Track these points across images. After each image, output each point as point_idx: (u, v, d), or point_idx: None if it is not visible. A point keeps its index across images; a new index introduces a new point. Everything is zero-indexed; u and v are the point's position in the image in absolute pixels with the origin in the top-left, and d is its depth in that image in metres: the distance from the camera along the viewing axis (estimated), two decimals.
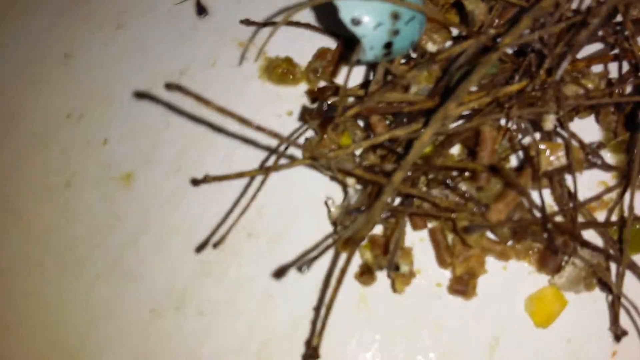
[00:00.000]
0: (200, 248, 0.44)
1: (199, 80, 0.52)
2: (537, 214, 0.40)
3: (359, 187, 0.43)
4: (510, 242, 0.41)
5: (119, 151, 0.50)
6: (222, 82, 0.52)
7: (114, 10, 0.56)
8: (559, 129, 0.42)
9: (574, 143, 0.42)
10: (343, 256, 0.43)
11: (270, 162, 0.45)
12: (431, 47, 0.45)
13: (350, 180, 0.43)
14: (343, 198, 0.45)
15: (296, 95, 0.50)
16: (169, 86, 0.32)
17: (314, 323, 0.40)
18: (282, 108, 0.50)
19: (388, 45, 0.39)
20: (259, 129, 0.35)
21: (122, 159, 0.50)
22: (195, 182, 0.46)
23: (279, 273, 0.42)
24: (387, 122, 0.45)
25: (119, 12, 0.56)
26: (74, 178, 0.50)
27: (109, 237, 0.47)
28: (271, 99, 0.50)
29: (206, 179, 0.43)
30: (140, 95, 0.51)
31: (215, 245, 0.43)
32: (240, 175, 0.44)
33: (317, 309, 0.37)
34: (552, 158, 0.40)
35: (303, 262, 0.35)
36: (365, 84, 0.47)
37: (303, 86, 0.50)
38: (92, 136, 0.51)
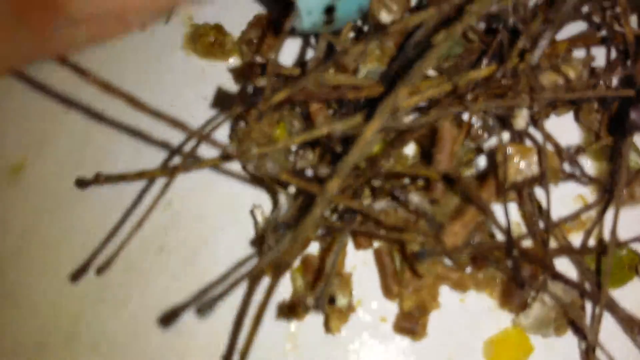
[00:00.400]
0: (76, 276, 0.35)
1: (109, 47, 0.42)
2: (501, 236, 0.33)
3: (292, 191, 0.36)
4: (468, 269, 0.34)
5: (8, 137, 0.41)
6: (138, 53, 0.42)
7: None
8: (531, 129, 0.35)
9: (549, 147, 0.35)
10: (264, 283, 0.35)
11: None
12: (385, 17, 0.36)
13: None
14: (272, 207, 0.37)
15: (226, 72, 0.41)
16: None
17: None
18: (208, 88, 0.41)
19: (329, 10, 0.33)
20: (156, 114, 0.27)
21: (10, 146, 0.41)
22: (82, 183, 0.37)
23: (168, 318, 0.34)
24: (331, 111, 0.37)
25: None
26: None
27: None
28: (196, 77, 0.41)
29: (97, 179, 0.35)
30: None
31: (99, 271, 0.34)
32: (140, 175, 0.36)
33: (227, 356, 0.30)
34: (521, 165, 0.32)
35: (204, 302, 0.27)
36: (302, 64, 0.39)
37: (235, 61, 0.41)
38: None
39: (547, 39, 0.32)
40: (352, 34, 0.38)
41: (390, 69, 0.36)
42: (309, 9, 0.32)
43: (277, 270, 0.30)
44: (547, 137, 0.35)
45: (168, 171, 0.35)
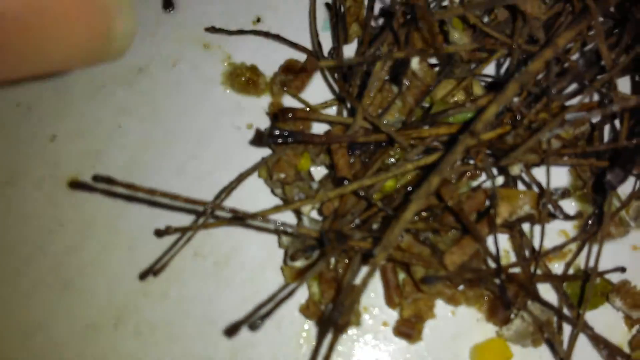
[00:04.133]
0: (143, 275, 0.42)
1: (158, 79, 0.49)
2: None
3: (314, 217, 0.41)
4: (461, 287, 0.40)
5: (66, 150, 0.47)
6: (182, 85, 0.48)
7: None
8: (523, 174, 0.41)
9: (535, 189, 0.40)
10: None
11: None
12: (415, 64, 0.42)
13: (305, 209, 0.41)
14: (296, 224, 0.43)
15: (258, 107, 0.47)
16: (96, 178, 0.31)
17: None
18: (243, 120, 0.47)
19: None
20: (187, 200, 0.34)
21: (68, 159, 0.47)
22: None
23: (231, 331, 0.40)
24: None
25: None
26: (16, 175, 0.47)
27: (49, 243, 0.44)
28: (232, 109, 0.47)
29: (167, 230, 0.39)
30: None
31: (156, 273, 0.41)
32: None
33: None
34: (512, 206, 0.38)
35: (256, 318, 0.33)
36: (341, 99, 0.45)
37: (267, 98, 0.47)
38: (39, 130, 0.48)
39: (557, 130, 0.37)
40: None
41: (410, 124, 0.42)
42: None
43: (337, 331, 0.35)
44: (537, 183, 0.40)
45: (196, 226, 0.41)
